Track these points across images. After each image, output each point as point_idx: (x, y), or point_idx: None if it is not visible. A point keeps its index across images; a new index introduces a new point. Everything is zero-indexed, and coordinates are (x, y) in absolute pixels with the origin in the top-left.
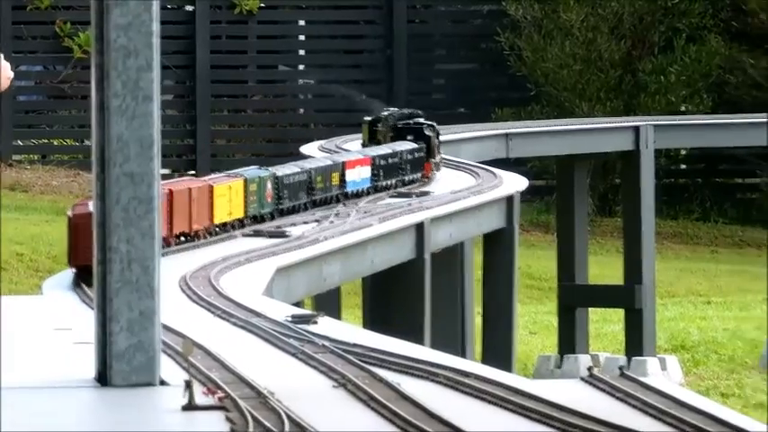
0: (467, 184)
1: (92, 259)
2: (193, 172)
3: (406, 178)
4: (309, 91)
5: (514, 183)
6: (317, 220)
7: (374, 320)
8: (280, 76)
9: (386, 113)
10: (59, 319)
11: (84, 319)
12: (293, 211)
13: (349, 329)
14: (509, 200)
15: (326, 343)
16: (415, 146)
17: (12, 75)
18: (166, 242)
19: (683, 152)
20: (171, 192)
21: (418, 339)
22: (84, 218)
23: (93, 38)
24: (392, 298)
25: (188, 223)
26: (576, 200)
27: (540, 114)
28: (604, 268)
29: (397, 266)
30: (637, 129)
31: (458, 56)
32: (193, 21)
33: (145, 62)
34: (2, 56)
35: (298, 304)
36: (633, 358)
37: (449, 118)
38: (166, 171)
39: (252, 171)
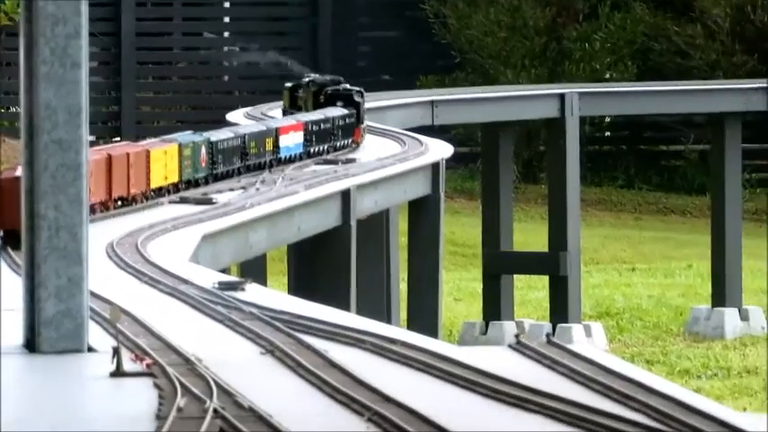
0: (392, 152)
1: (18, 223)
2: (118, 138)
3: (338, 144)
4: (234, 58)
5: (440, 150)
6: (243, 188)
7: (300, 287)
8: (204, 43)
9: (307, 79)
10: None
11: (12, 286)
12: (227, 176)
13: (276, 296)
14: (434, 167)
15: (254, 310)
16: (345, 112)
17: None
18: (106, 206)
19: (608, 119)
20: (110, 156)
21: (344, 306)
22: (11, 182)
23: (22, 6)
24: (318, 264)
25: (126, 188)
26: (501, 167)
27: (464, 82)
28: (529, 235)
29: (323, 233)
30: (562, 96)
31: (382, 23)
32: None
33: (73, 29)
34: None
35: (224, 271)
36: (558, 325)
37: (373, 85)
38: (92, 138)
39: (186, 136)
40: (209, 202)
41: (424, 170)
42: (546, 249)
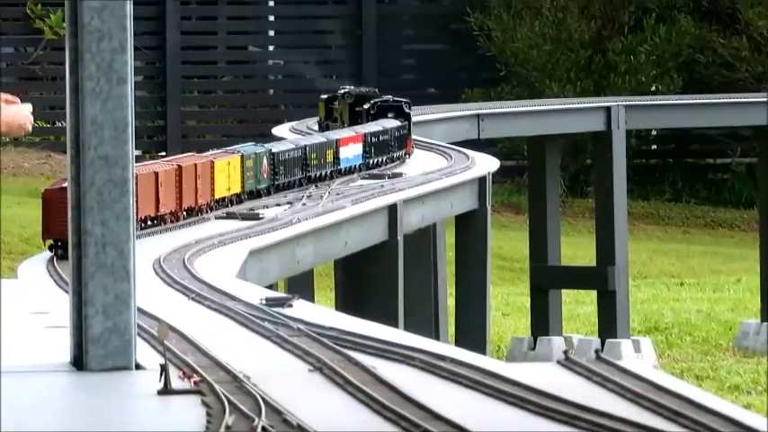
0: (439, 166)
1: (63, 234)
2: (163, 153)
3: (394, 155)
4: (279, 71)
5: (486, 164)
6: (289, 203)
7: (347, 303)
8: (249, 56)
9: (342, 91)
10: (34, 303)
11: (60, 303)
12: (288, 186)
13: (323, 312)
14: (481, 181)
15: (301, 326)
16: (399, 123)
17: (31, 119)
18: (176, 217)
19: (655, 132)
20: (180, 167)
21: (391, 321)
22: (55, 193)
23: (67, 20)
24: (365, 280)
25: (194, 198)
26: (548, 180)
27: (510, 95)
28: (577, 249)
29: (370, 248)
30: (608, 109)
31: (427, 36)
32: (163, 2)
33: (119, 44)
34: (18, 100)
35: (271, 287)
36: (607, 340)
37: (419, 98)
38: (138, 152)
39: (248, 147)
40: (255, 217)
41: (471, 184)
42: (594, 263)
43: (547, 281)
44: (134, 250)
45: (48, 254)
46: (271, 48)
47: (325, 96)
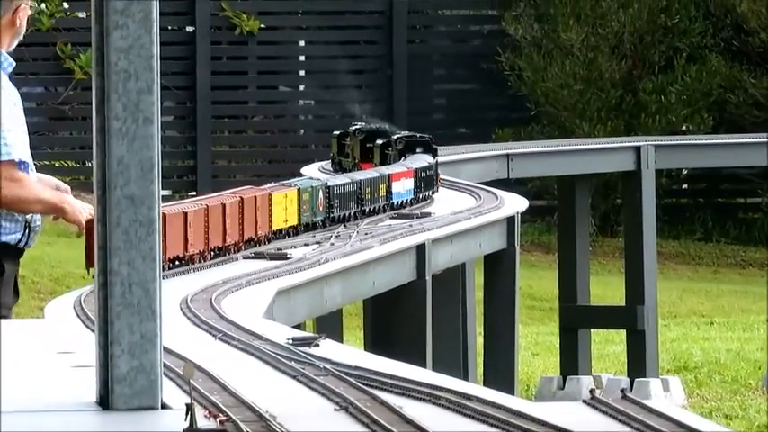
0: (467, 205)
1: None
2: (194, 193)
3: (433, 189)
4: (309, 111)
5: (515, 203)
6: (317, 242)
7: (376, 342)
8: (280, 96)
9: (353, 128)
10: (61, 343)
11: (87, 342)
12: (343, 220)
13: (351, 352)
14: (510, 220)
15: (328, 365)
16: (432, 159)
17: (91, 211)
18: (237, 248)
19: (685, 172)
20: (242, 199)
21: (420, 361)
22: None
23: (94, 61)
24: (394, 319)
25: (254, 229)
26: (578, 220)
27: (540, 134)
28: (606, 289)
29: (399, 288)
30: (638, 149)
31: (458, 76)
32: (194, 42)
33: (145, 85)
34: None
35: (299, 326)
36: (636, 379)
37: (449, 138)
38: (167, 192)
39: (305, 181)
40: (283, 257)
41: (500, 224)
42: (623, 303)
43: (576, 320)
44: (160, 290)
45: (76, 293)
46: (301, 87)
47: (338, 133)
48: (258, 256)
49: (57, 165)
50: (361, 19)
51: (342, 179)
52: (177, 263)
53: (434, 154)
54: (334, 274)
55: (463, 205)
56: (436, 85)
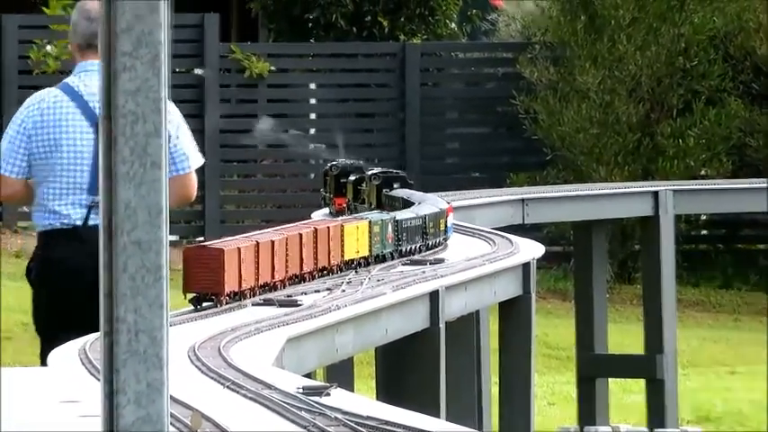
0: (482, 251)
1: (204, 287)
2: (201, 238)
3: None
4: (320, 155)
5: (531, 249)
6: (328, 289)
7: (388, 391)
8: (291, 140)
9: (330, 164)
10: (66, 392)
11: (92, 392)
12: (410, 252)
13: (362, 401)
14: (525, 267)
15: (339, 415)
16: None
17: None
18: (312, 276)
19: (704, 217)
20: (316, 230)
21: (433, 410)
22: (194, 251)
23: (101, 103)
24: (406, 368)
25: (327, 259)
26: (595, 266)
27: (556, 179)
28: (624, 337)
29: (412, 336)
30: (656, 194)
31: (471, 119)
32: (203, 85)
33: (153, 128)
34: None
35: (309, 375)
36: (655, 430)
37: (463, 182)
38: (174, 237)
39: (375, 214)
40: (293, 304)
41: (515, 270)
42: (642, 352)
43: (594, 369)
44: (167, 337)
45: (81, 341)
46: (312, 131)
47: (325, 169)
48: (268, 302)
49: None
50: (373, 62)
51: (408, 214)
52: (266, 288)
53: (411, 189)
54: (345, 321)
55: (477, 251)
56: (449, 129)
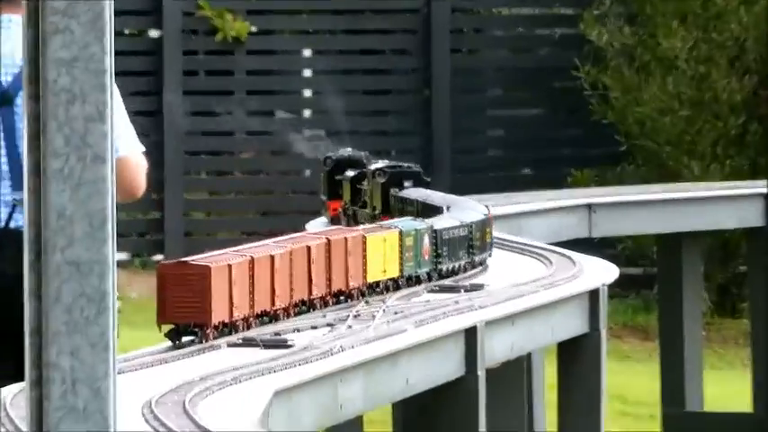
0: (534, 275)
1: (183, 317)
2: (161, 256)
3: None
4: (317, 146)
5: (600, 272)
6: (330, 324)
7: None
8: (278, 125)
9: (325, 157)
10: None
11: None
12: (452, 273)
13: None
14: (593, 295)
15: None
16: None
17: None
18: (325, 302)
19: None
20: (329, 241)
21: None
22: (172, 268)
23: (25, 78)
24: (434, 429)
25: (345, 280)
26: (686, 295)
27: (633, 177)
28: (726, 388)
29: (441, 387)
30: (767, 197)
31: (520, 98)
32: (160, 51)
33: (95, 110)
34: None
35: None
36: None
37: (508, 182)
38: (123, 255)
39: (406, 222)
40: (282, 344)
41: (579, 300)
42: (750, 409)
43: None
44: (115, 389)
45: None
46: (307, 113)
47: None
48: (248, 343)
49: None
50: (388, 20)
51: (449, 221)
52: (264, 317)
53: (427, 187)
54: (352, 368)
55: (528, 274)
56: (490, 111)
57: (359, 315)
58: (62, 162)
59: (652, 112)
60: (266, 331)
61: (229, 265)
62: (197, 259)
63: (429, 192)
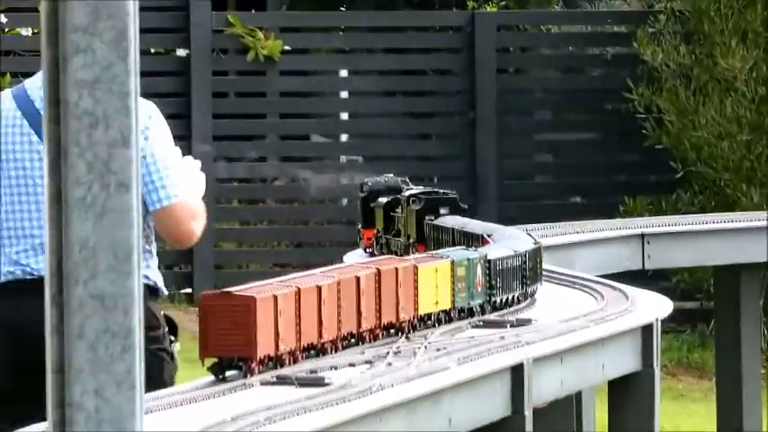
0: (584, 309)
1: (227, 351)
2: (189, 290)
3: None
4: (354, 173)
5: (654, 306)
6: (368, 362)
7: None
8: (313, 150)
9: (361, 183)
10: None
11: None
12: (506, 305)
13: None
14: (646, 331)
15: None
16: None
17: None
18: (374, 336)
19: None
20: (378, 272)
21: None
22: (216, 298)
23: (46, 100)
24: None
25: (395, 313)
26: (744, 330)
27: (689, 206)
28: None
29: (486, 428)
30: None
31: (570, 121)
32: (188, 72)
33: (120, 134)
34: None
35: None
36: None
37: (557, 211)
38: None
39: (458, 252)
40: (319, 383)
41: (632, 336)
42: None
43: None
44: (142, 430)
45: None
46: (344, 137)
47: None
48: (282, 381)
49: None
50: (431, 38)
51: (502, 250)
52: (311, 351)
53: (464, 215)
54: (392, 407)
55: (578, 309)
56: (538, 135)
57: (399, 352)
58: (84, 190)
59: (709, 136)
60: (304, 368)
61: (275, 296)
62: (241, 290)
63: (466, 219)
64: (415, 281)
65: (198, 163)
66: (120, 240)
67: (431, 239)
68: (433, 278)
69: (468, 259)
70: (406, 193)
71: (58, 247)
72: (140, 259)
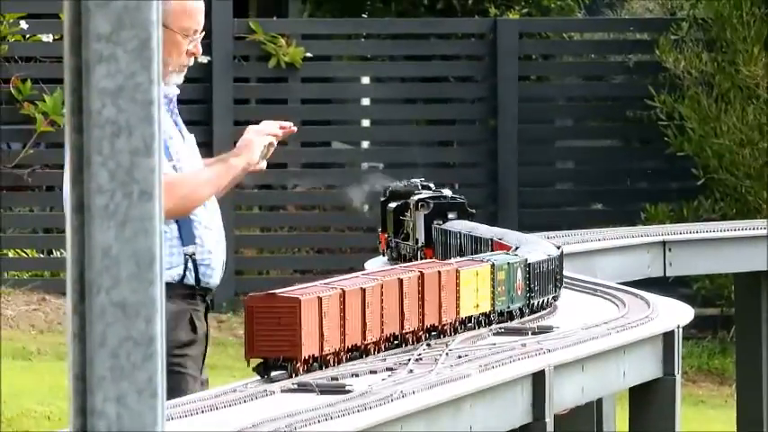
0: (605, 316)
1: (272, 351)
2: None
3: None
4: (377, 179)
5: (675, 313)
6: (389, 369)
7: None
8: (334, 157)
9: (385, 188)
10: None
11: None
12: (541, 307)
13: None
14: (667, 338)
15: None
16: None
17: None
18: (417, 338)
19: None
20: (422, 275)
21: None
22: (261, 300)
23: (67, 108)
24: None
25: (437, 316)
26: (765, 337)
27: (711, 213)
28: None
29: None
30: None
31: (591, 129)
32: (209, 79)
33: (142, 143)
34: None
35: None
36: None
37: (579, 217)
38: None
39: (498, 255)
40: (340, 389)
41: (653, 343)
42: None
43: None
44: None
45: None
46: (365, 145)
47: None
48: (303, 388)
49: (10, 255)
50: (452, 46)
51: (540, 254)
52: (354, 352)
53: (470, 219)
54: (413, 414)
55: (599, 316)
56: (560, 142)
57: (420, 359)
58: (107, 198)
59: (731, 143)
60: (321, 376)
61: (320, 298)
62: (286, 291)
63: (474, 224)
64: (457, 284)
65: (275, 126)
66: (143, 249)
67: (439, 243)
68: (474, 282)
69: (509, 263)
70: (415, 198)
71: (80, 255)
72: (162, 268)
